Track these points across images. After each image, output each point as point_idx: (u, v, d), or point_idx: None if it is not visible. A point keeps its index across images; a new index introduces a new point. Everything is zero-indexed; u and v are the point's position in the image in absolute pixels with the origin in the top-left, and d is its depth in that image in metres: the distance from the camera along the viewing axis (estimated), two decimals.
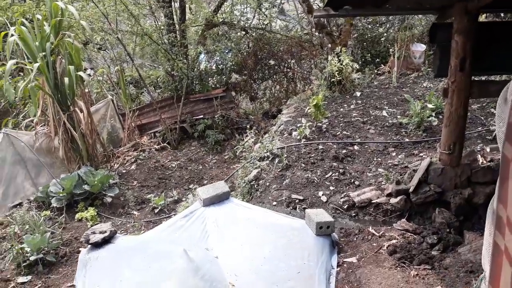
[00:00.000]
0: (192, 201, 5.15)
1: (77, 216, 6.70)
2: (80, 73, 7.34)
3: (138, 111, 10.53)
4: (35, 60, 7.05)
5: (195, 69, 10.55)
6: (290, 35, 11.16)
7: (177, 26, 10.75)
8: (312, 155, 5.64)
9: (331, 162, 5.43)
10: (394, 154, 5.66)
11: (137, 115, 10.59)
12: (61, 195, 6.95)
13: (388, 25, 10.52)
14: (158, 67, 11.99)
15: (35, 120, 8.07)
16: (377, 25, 10.38)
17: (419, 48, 9.41)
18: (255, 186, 5.23)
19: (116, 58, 11.60)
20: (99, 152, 9.07)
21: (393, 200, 4.40)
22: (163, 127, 10.04)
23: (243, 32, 11.12)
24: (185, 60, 10.20)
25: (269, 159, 5.61)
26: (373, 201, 4.52)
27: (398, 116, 6.72)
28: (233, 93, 11.04)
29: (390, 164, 5.38)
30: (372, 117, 6.86)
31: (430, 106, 5.94)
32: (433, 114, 6.04)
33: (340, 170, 5.24)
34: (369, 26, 10.19)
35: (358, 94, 8.16)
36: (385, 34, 10.20)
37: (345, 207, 4.56)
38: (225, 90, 10.22)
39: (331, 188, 4.92)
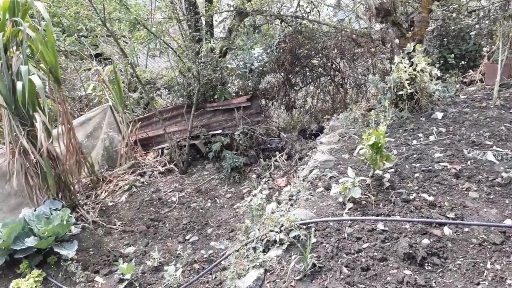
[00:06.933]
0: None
1: (13, 284, 4.64)
2: (33, 76, 5.19)
3: (141, 121, 8.35)
4: None
5: (218, 70, 8.14)
6: (340, 26, 8.41)
7: (202, 12, 8.42)
8: (364, 246, 3.03)
9: (401, 268, 2.81)
10: None
11: (142, 126, 8.44)
12: None
13: (481, 14, 7.44)
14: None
15: None
16: (465, 13, 7.36)
17: None
18: None
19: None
20: (82, 176, 7.01)
21: None
22: (169, 144, 7.77)
23: (278, 23, 8.54)
24: (203, 59, 7.83)
25: (283, 247, 3.08)
26: None
27: None
28: (263, 102, 8.53)
29: None
30: (469, 163, 4.08)
31: None
32: None
33: None
34: (453, 15, 7.22)
35: (440, 115, 5.36)
36: (476, 26, 7.17)
37: None
38: (250, 99, 7.73)
39: None
